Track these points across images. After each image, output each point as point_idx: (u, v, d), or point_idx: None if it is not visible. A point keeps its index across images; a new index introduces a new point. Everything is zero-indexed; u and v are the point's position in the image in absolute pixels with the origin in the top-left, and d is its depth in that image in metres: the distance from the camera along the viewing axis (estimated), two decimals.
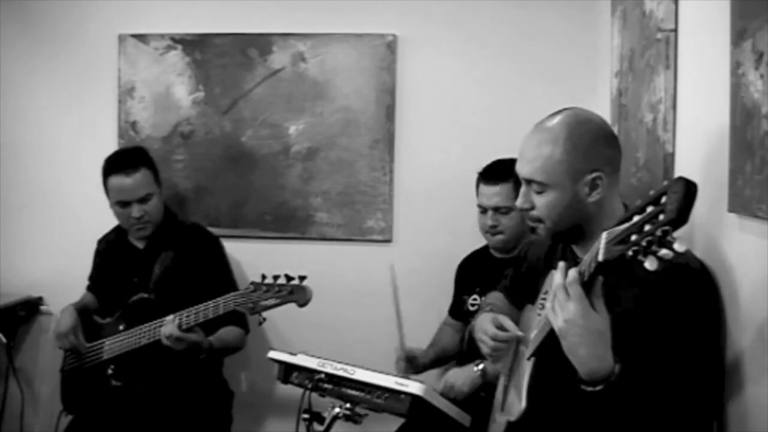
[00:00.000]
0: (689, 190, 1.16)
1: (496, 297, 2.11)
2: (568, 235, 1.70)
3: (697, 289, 1.54)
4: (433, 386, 2.12)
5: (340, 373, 1.92)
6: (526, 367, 1.73)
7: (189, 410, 2.66)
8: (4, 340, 3.03)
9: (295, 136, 3.15)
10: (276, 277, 2.31)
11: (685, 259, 1.53)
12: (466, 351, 2.60)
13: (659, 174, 2.00)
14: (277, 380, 2.09)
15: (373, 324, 3.08)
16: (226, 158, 3.19)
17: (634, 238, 1.21)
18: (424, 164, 3.10)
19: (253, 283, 2.36)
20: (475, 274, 2.78)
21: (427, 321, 2.92)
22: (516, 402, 1.75)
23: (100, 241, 2.95)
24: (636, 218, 1.23)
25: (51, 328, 3.12)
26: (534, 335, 1.69)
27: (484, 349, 1.84)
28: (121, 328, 2.65)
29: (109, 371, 2.64)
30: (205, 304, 2.40)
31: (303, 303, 2.29)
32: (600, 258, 1.30)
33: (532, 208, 1.67)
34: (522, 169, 1.68)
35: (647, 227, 1.20)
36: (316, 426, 1.94)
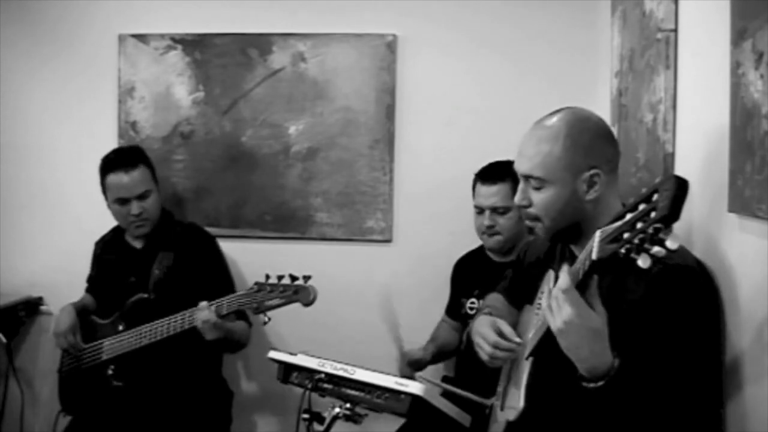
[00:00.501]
0: (681, 187, 1.17)
1: (495, 299, 2.11)
2: (565, 234, 1.70)
3: (695, 288, 1.54)
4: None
5: (340, 373, 1.92)
6: (525, 367, 1.73)
7: (189, 410, 2.66)
8: (4, 340, 3.03)
9: (295, 136, 3.15)
10: (280, 277, 2.31)
11: (683, 259, 1.54)
12: (465, 353, 2.60)
13: (659, 174, 2.00)
14: (277, 380, 2.09)
15: (373, 324, 3.08)
16: (226, 158, 3.19)
17: (626, 236, 1.22)
18: (424, 164, 3.10)
19: (257, 283, 2.37)
20: (472, 277, 2.78)
21: (427, 321, 2.92)
22: (515, 401, 1.75)
23: (98, 243, 2.96)
24: (628, 216, 1.23)
25: (51, 327, 3.12)
26: (532, 335, 1.69)
27: (482, 355, 1.84)
28: (120, 328, 2.65)
29: (110, 371, 2.64)
30: (210, 304, 2.41)
31: (307, 303, 2.30)
32: (593, 256, 1.30)
33: (530, 205, 1.68)
34: (521, 166, 1.68)
35: (639, 225, 1.20)
36: (316, 426, 1.94)
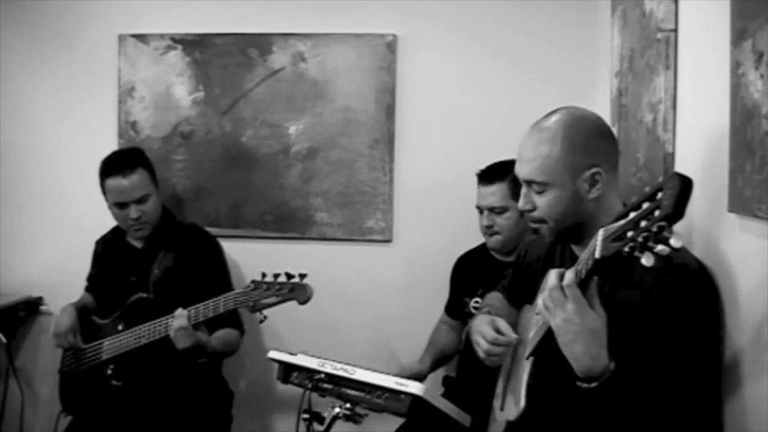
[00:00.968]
0: (685, 185, 1.17)
1: (495, 298, 2.11)
2: (569, 235, 1.70)
3: (695, 288, 1.54)
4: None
5: (340, 373, 1.92)
6: (525, 367, 1.73)
7: (189, 410, 2.66)
8: (4, 340, 3.03)
9: (295, 136, 3.15)
10: (276, 276, 2.31)
11: (684, 259, 1.54)
12: (465, 352, 2.60)
13: (659, 174, 2.00)
14: (277, 380, 2.08)
15: (373, 324, 3.08)
16: (226, 158, 3.19)
17: (630, 234, 1.22)
18: (424, 164, 3.10)
19: (253, 281, 2.37)
20: (475, 276, 2.77)
21: (427, 321, 2.91)
22: (515, 401, 1.75)
23: (98, 242, 2.96)
24: (632, 215, 1.23)
25: (51, 327, 3.12)
26: (532, 335, 1.69)
27: (480, 353, 1.84)
28: (120, 328, 2.65)
29: (109, 371, 2.64)
30: (206, 302, 2.41)
31: (303, 301, 2.30)
32: (597, 255, 1.30)
33: (534, 209, 1.68)
34: (521, 171, 1.68)
35: (643, 223, 1.20)
36: (316, 426, 1.93)
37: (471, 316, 2.69)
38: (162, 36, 3.19)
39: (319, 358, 2.00)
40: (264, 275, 2.34)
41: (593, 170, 1.61)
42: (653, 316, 1.50)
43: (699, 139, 1.78)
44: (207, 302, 2.40)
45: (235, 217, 3.19)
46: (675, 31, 1.96)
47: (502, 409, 1.92)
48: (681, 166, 1.91)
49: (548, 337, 1.51)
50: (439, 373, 2.88)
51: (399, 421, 2.44)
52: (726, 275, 1.58)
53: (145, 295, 2.68)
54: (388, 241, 3.14)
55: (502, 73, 3.05)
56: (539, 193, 1.66)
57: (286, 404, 3.12)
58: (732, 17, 1.52)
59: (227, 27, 3.16)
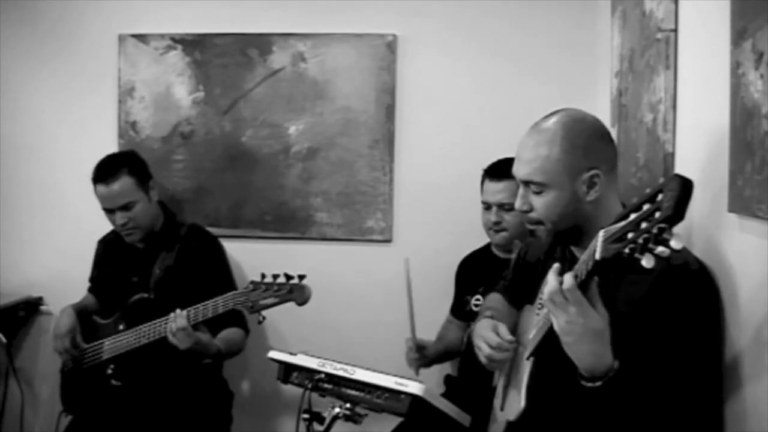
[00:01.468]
0: (685, 187, 1.17)
1: (495, 299, 2.11)
2: (567, 236, 1.70)
3: (696, 288, 1.54)
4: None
5: (340, 373, 1.92)
6: (526, 367, 1.73)
7: (189, 410, 2.66)
8: (4, 340, 3.03)
9: (295, 136, 3.15)
10: (275, 276, 2.31)
11: (684, 259, 1.54)
12: (466, 353, 2.60)
13: (659, 174, 2.00)
14: (277, 380, 2.08)
15: (374, 324, 3.08)
16: (226, 158, 3.19)
17: (630, 235, 1.22)
18: (424, 164, 3.10)
19: (252, 282, 2.37)
20: (477, 274, 2.78)
21: (427, 321, 2.91)
22: (515, 401, 1.75)
23: (100, 242, 2.96)
24: (632, 216, 1.23)
25: (51, 327, 3.12)
26: (533, 335, 1.69)
27: (482, 357, 1.84)
28: (120, 328, 2.65)
29: (109, 371, 2.64)
30: (204, 303, 2.40)
31: (302, 302, 2.30)
32: (597, 256, 1.30)
33: (531, 209, 1.68)
34: (519, 171, 1.68)
35: (644, 225, 1.20)
36: (316, 426, 1.93)
37: (472, 313, 2.69)
38: (162, 36, 3.19)
39: (319, 358, 2.00)
40: (263, 276, 2.34)
41: (592, 172, 1.61)
42: (654, 315, 1.50)
43: (699, 139, 1.78)
44: (205, 303, 2.40)
45: (235, 217, 3.19)
46: (675, 31, 1.95)
47: (502, 409, 1.92)
48: (681, 166, 1.91)
49: (548, 338, 1.51)
50: (440, 373, 2.88)
51: (399, 421, 2.44)
52: (726, 275, 1.58)
53: (146, 295, 2.68)
54: (388, 241, 3.14)
55: (502, 73, 3.05)
56: (537, 193, 1.66)
57: (286, 404, 3.12)
58: (732, 17, 1.52)
59: (227, 27, 3.16)
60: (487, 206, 2.68)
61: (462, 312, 2.81)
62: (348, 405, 1.90)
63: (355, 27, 3.10)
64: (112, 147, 3.08)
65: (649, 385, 1.45)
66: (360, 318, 3.12)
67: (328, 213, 3.15)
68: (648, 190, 1.22)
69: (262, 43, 3.15)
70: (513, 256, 2.62)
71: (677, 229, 1.19)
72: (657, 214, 1.18)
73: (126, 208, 2.69)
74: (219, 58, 3.17)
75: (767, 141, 1.34)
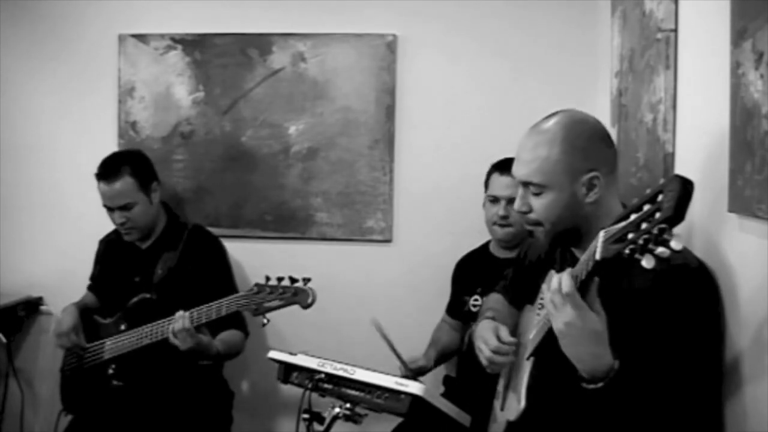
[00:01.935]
0: (685, 187, 1.17)
1: (496, 300, 2.10)
2: (566, 238, 1.70)
3: (696, 288, 1.54)
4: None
5: (340, 373, 1.92)
6: (526, 367, 1.73)
7: (189, 410, 2.66)
8: (4, 340, 3.03)
9: (295, 136, 3.15)
10: (280, 279, 2.31)
11: (685, 259, 1.54)
12: (466, 354, 2.60)
13: (659, 174, 2.00)
14: (277, 380, 2.09)
15: (374, 323, 3.07)
16: (226, 158, 3.19)
17: (631, 236, 1.22)
18: (424, 164, 3.10)
19: (257, 284, 2.36)
20: (475, 274, 2.77)
21: (427, 321, 2.92)
22: (515, 402, 1.75)
23: (102, 241, 2.96)
24: (633, 217, 1.23)
25: (51, 327, 3.12)
26: (533, 335, 1.69)
27: (482, 360, 1.84)
28: (122, 328, 2.65)
29: (110, 371, 2.64)
30: (209, 305, 2.40)
31: (306, 305, 2.30)
32: (597, 257, 1.30)
33: (530, 211, 1.68)
34: (519, 172, 1.68)
35: (644, 225, 1.20)
36: (316, 426, 1.93)
37: (470, 314, 2.69)
38: (162, 36, 3.19)
39: (319, 358, 2.00)
40: (268, 278, 2.34)
41: (591, 174, 1.61)
42: (654, 315, 1.50)
43: (699, 139, 1.78)
44: (210, 304, 2.40)
45: (235, 217, 3.19)
46: (675, 31, 1.95)
47: (502, 409, 1.92)
48: (681, 166, 1.91)
49: (548, 338, 1.51)
50: (440, 373, 2.88)
51: (399, 421, 2.44)
52: (726, 275, 1.58)
53: (148, 295, 2.68)
54: (388, 241, 3.14)
55: (502, 73, 3.05)
56: (536, 194, 1.65)
57: (287, 404, 3.12)
58: (732, 17, 1.52)
59: (227, 27, 3.16)
60: (495, 200, 2.67)
61: (460, 312, 2.80)
62: (348, 405, 1.90)
63: (355, 27, 3.09)
64: (112, 147, 3.08)
65: (650, 385, 1.45)
66: (360, 318, 3.10)
67: (328, 213, 3.15)
68: (648, 191, 1.22)
69: (262, 43, 3.15)
70: (510, 255, 2.64)
71: (677, 229, 1.19)
72: (657, 215, 1.18)
73: (125, 208, 2.69)
74: (219, 58, 3.17)
75: (767, 141, 1.34)
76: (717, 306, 1.59)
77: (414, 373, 2.61)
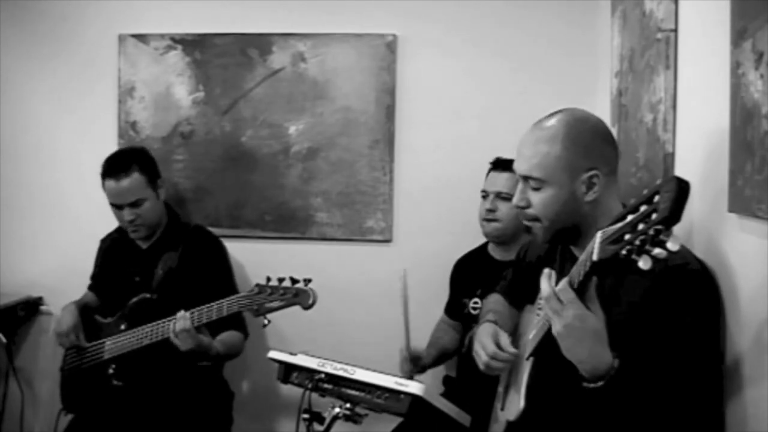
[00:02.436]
0: (682, 188, 1.17)
1: (496, 301, 2.10)
2: (564, 236, 1.70)
3: (696, 288, 1.54)
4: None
5: (340, 373, 1.92)
6: (526, 367, 1.73)
7: (189, 411, 2.66)
8: (4, 340, 3.03)
9: (295, 136, 3.15)
10: (281, 280, 2.31)
11: (685, 259, 1.54)
12: (466, 355, 2.60)
13: (659, 174, 2.00)
14: (277, 380, 2.09)
15: (374, 324, 3.08)
16: (226, 158, 3.19)
17: (627, 237, 1.22)
18: (424, 164, 3.10)
19: (257, 285, 2.36)
20: (474, 276, 2.77)
21: (427, 321, 2.91)
22: (515, 402, 1.76)
23: (103, 240, 2.96)
24: (629, 217, 1.23)
25: (51, 327, 3.11)
26: (533, 335, 1.69)
27: (479, 364, 1.84)
28: (122, 327, 2.65)
29: (110, 371, 2.64)
30: (209, 305, 2.40)
31: (307, 306, 2.30)
32: (594, 257, 1.30)
33: (528, 206, 1.68)
34: (519, 167, 1.69)
35: (640, 226, 1.20)
36: (316, 426, 1.93)
37: (470, 316, 2.69)
38: (162, 36, 3.19)
39: (319, 358, 2.00)
40: (268, 279, 2.34)
41: (591, 172, 1.61)
42: (655, 315, 1.50)
43: (699, 139, 1.78)
44: (211, 305, 2.40)
45: (235, 217, 3.19)
46: (675, 31, 1.96)
47: (502, 409, 1.92)
48: (681, 167, 1.91)
49: (548, 338, 1.51)
50: (439, 373, 2.88)
51: (399, 421, 2.44)
52: (726, 275, 1.58)
53: (148, 295, 2.68)
54: (388, 241, 3.14)
55: (502, 73, 3.05)
56: (535, 189, 1.66)
57: (287, 404, 3.12)
58: (732, 17, 1.52)
59: (227, 27, 3.16)
60: (485, 195, 2.69)
61: (459, 314, 2.80)
62: (348, 405, 1.90)
63: (355, 27, 3.09)
64: (112, 147, 3.08)
65: (650, 384, 1.45)
66: (360, 318, 3.12)
67: (328, 213, 3.15)
68: (645, 191, 1.23)
69: (262, 43, 3.15)
70: (509, 257, 2.64)
71: (677, 229, 1.19)
72: (653, 216, 1.18)
73: (135, 204, 2.69)
74: (219, 58, 3.17)
75: (767, 141, 1.34)
76: (717, 305, 1.59)
77: (412, 356, 2.61)
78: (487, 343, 1.81)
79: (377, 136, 3.10)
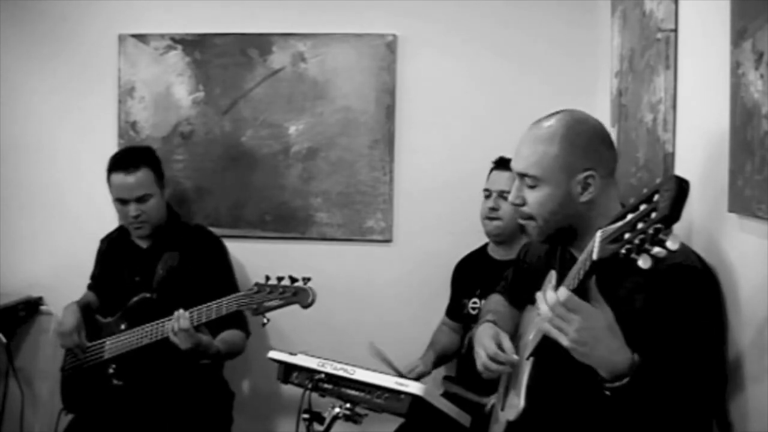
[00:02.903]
0: (681, 187, 1.17)
1: (496, 302, 2.10)
2: (559, 237, 1.70)
3: (697, 286, 1.54)
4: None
5: (340, 373, 1.92)
6: (526, 367, 1.73)
7: (189, 411, 2.66)
8: (4, 340, 3.03)
9: (295, 136, 3.15)
10: (280, 279, 2.31)
11: (687, 258, 1.54)
12: (466, 356, 2.60)
13: (659, 174, 2.00)
14: (277, 380, 2.09)
15: (374, 324, 3.08)
16: (226, 158, 3.19)
17: (627, 236, 1.22)
18: (424, 164, 3.10)
19: (257, 284, 2.36)
20: (474, 277, 2.78)
21: (427, 321, 2.92)
22: (515, 402, 1.75)
23: (103, 240, 2.96)
24: (629, 216, 1.23)
25: (51, 327, 3.11)
26: (533, 335, 1.69)
27: (478, 365, 1.84)
28: (122, 327, 2.65)
29: (110, 371, 2.64)
30: (208, 304, 2.40)
31: (306, 305, 2.30)
32: (594, 257, 1.30)
33: (524, 203, 1.68)
34: (517, 165, 1.69)
35: (640, 225, 1.20)
36: (316, 426, 1.94)
37: (470, 317, 2.69)
38: (162, 36, 3.19)
39: (319, 358, 2.00)
40: (267, 278, 2.34)
41: (588, 173, 1.61)
42: (656, 314, 1.50)
43: (699, 139, 1.78)
44: (210, 304, 2.40)
45: (235, 217, 3.19)
46: (675, 31, 1.96)
47: (502, 409, 1.92)
48: (681, 166, 1.91)
49: (548, 338, 1.50)
50: (439, 373, 2.88)
51: (399, 421, 2.44)
52: (726, 275, 1.58)
53: (148, 295, 2.68)
54: (388, 241, 3.14)
55: (502, 73, 3.05)
56: (531, 187, 1.66)
57: (287, 404, 3.12)
58: (732, 17, 1.52)
59: (227, 27, 3.16)
60: (488, 194, 2.71)
61: (459, 315, 2.81)
62: (348, 405, 1.90)
63: (355, 27, 3.10)
64: (112, 147, 3.08)
65: (668, 380, 1.44)
66: (360, 318, 3.12)
67: (328, 213, 3.15)
68: (645, 190, 1.23)
69: (262, 43, 3.15)
70: (509, 258, 2.64)
71: (676, 229, 1.19)
72: (653, 215, 1.18)
73: (141, 200, 2.70)
74: (219, 58, 3.17)
75: (767, 141, 1.34)
76: (720, 306, 1.59)
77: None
78: (488, 344, 1.81)
79: (377, 136, 3.10)
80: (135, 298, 2.67)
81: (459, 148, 3.06)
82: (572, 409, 1.62)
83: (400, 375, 2.56)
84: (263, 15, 3.15)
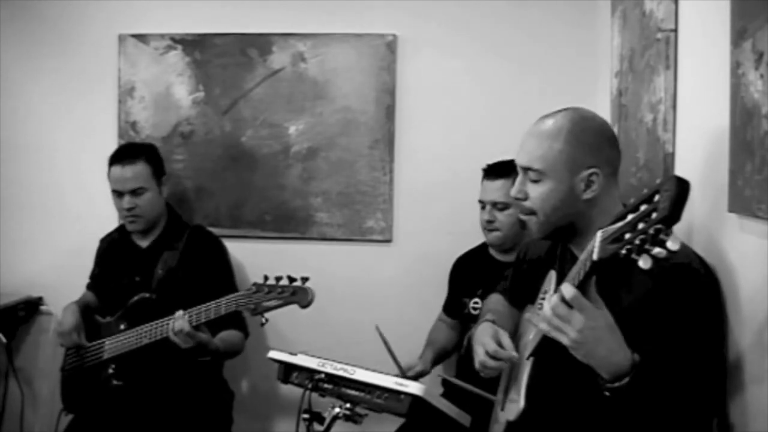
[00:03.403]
0: (682, 188, 1.17)
1: (496, 301, 2.10)
2: (559, 234, 1.70)
3: (698, 286, 1.54)
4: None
5: (340, 373, 1.92)
6: (526, 367, 1.73)
7: (189, 410, 2.66)
8: (4, 340, 3.03)
9: (295, 136, 3.15)
10: (278, 278, 2.31)
11: (686, 257, 1.54)
12: (466, 356, 2.60)
13: (659, 174, 2.00)
14: (277, 380, 2.09)
15: (373, 324, 3.07)
16: (226, 158, 3.19)
17: (627, 236, 1.22)
18: (424, 164, 3.10)
19: (255, 284, 2.36)
20: (474, 276, 2.77)
21: (427, 321, 2.92)
22: (515, 401, 1.75)
23: (103, 240, 2.96)
24: (630, 217, 1.23)
25: (51, 327, 3.11)
26: (533, 335, 1.69)
27: (477, 363, 1.84)
28: (122, 327, 2.65)
29: (110, 371, 2.64)
30: (207, 304, 2.40)
31: (305, 304, 2.30)
32: (594, 257, 1.30)
33: (526, 198, 1.68)
34: (521, 159, 1.69)
35: (641, 225, 1.20)
36: (316, 426, 1.93)
37: (470, 316, 2.69)
38: (162, 36, 3.19)
39: (319, 358, 2.00)
40: (266, 278, 2.34)
41: (591, 171, 1.62)
42: (657, 314, 1.50)
43: (699, 139, 1.78)
44: (208, 304, 2.40)
45: (235, 217, 3.19)
46: (675, 31, 1.96)
47: (503, 409, 1.92)
48: (681, 166, 1.91)
49: (548, 338, 1.50)
50: (438, 372, 2.88)
51: (399, 421, 2.44)
52: (727, 275, 1.58)
53: (147, 295, 2.68)
54: (388, 241, 3.14)
55: (502, 73, 3.05)
56: (534, 181, 1.66)
57: (287, 404, 3.12)
58: (732, 17, 1.52)
59: (227, 27, 3.16)
60: (482, 205, 2.70)
61: (459, 314, 2.81)
62: (348, 405, 1.90)
63: (355, 27, 3.09)
64: (112, 147, 3.07)
65: (668, 379, 1.44)
66: (360, 318, 3.11)
67: (328, 213, 3.15)
68: (646, 191, 1.23)
69: (262, 43, 3.15)
70: (510, 257, 2.64)
71: (677, 229, 1.19)
72: (654, 215, 1.18)
73: (136, 193, 2.72)
74: (219, 58, 3.17)
75: (767, 141, 1.34)
76: (720, 306, 1.59)
77: (413, 379, 2.61)
78: (488, 342, 1.81)
79: (377, 136, 3.10)
80: (134, 298, 2.68)
81: (459, 148, 3.06)
82: (572, 410, 1.62)
83: (399, 366, 2.56)
84: (263, 15, 3.15)
